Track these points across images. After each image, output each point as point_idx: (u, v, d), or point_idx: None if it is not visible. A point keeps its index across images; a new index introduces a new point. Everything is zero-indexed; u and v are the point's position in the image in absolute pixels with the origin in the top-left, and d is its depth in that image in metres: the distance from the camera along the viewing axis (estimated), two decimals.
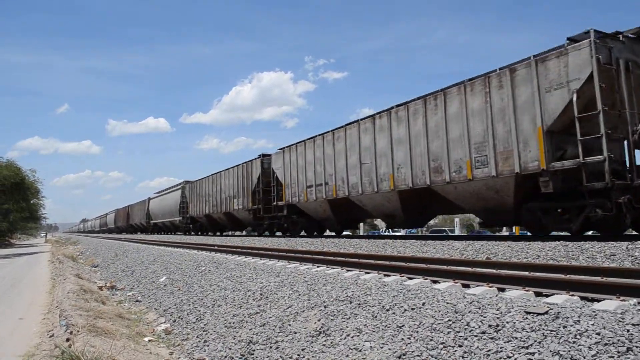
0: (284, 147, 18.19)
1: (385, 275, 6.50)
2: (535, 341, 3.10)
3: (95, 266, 16.47)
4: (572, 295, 4.40)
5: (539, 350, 3.00)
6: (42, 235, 71.74)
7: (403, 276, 6.20)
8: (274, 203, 18.89)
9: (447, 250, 8.36)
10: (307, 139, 16.61)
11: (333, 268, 7.62)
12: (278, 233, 20.41)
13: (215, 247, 14.43)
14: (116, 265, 14.90)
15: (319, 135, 15.94)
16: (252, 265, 8.85)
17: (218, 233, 29.20)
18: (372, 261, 7.59)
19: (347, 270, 7.25)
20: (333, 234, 18.19)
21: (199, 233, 31.32)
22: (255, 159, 21.01)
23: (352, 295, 5.03)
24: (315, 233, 18.38)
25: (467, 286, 5.33)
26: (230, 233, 29.23)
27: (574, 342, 2.97)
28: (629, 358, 2.71)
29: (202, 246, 15.75)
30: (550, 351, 2.94)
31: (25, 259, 20.16)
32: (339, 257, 8.71)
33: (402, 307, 4.33)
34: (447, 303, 4.12)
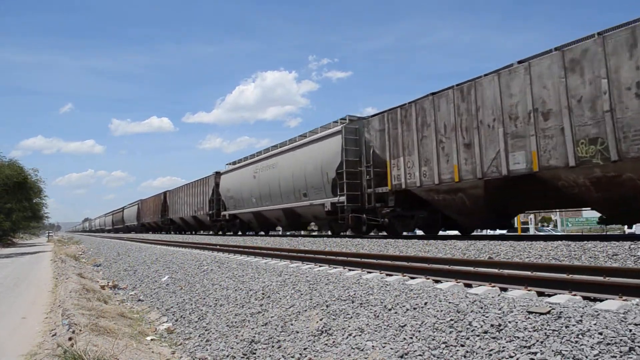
0: None
1: (387, 274, 6.50)
2: (537, 341, 3.10)
3: (97, 265, 16.49)
4: (575, 295, 4.40)
5: (541, 350, 2.99)
6: (47, 235, 71.91)
7: (405, 276, 6.20)
8: None
9: (449, 250, 8.35)
10: None
11: (335, 267, 7.63)
12: None
13: (217, 247, 14.46)
14: (118, 265, 14.93)
15: None
16: (254, 264, 8.85)
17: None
18: (374, 261, 7.58)
19: (349, 270, 7.25)
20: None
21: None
22: None
23: (354, 294, 5.03)
24: None
25: (469, 286, 5.33)
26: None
27: (576, 341, 2.97)
28: (631, 358, 2.71)
29: (205, 245, 15.79)
30: (553, 351, 2.94)
31: (28, 258, 20.21)
32: (341, 256, 8.70)
33: (404, 306, 4.33)
34: (449, 303, 4.12)
